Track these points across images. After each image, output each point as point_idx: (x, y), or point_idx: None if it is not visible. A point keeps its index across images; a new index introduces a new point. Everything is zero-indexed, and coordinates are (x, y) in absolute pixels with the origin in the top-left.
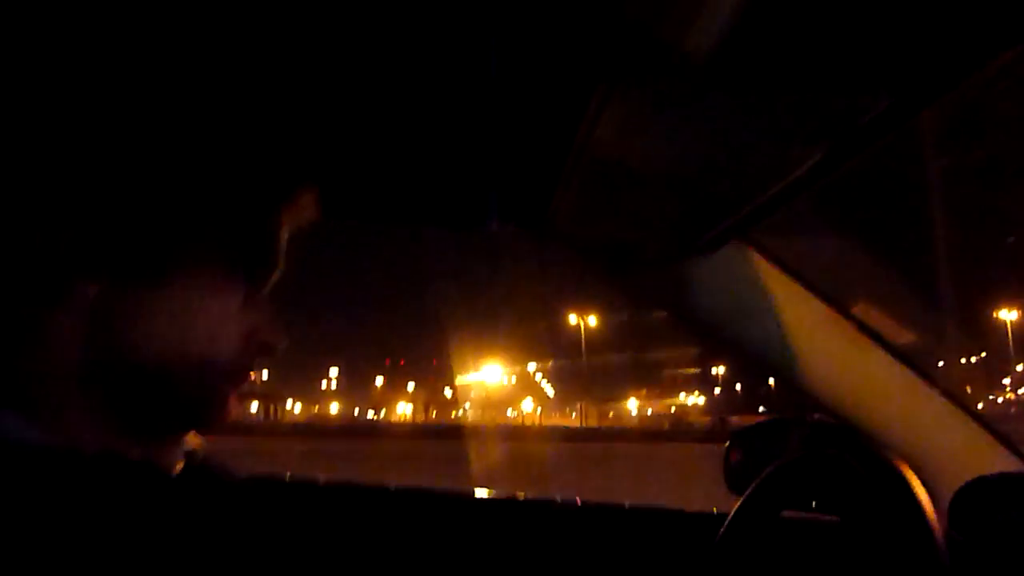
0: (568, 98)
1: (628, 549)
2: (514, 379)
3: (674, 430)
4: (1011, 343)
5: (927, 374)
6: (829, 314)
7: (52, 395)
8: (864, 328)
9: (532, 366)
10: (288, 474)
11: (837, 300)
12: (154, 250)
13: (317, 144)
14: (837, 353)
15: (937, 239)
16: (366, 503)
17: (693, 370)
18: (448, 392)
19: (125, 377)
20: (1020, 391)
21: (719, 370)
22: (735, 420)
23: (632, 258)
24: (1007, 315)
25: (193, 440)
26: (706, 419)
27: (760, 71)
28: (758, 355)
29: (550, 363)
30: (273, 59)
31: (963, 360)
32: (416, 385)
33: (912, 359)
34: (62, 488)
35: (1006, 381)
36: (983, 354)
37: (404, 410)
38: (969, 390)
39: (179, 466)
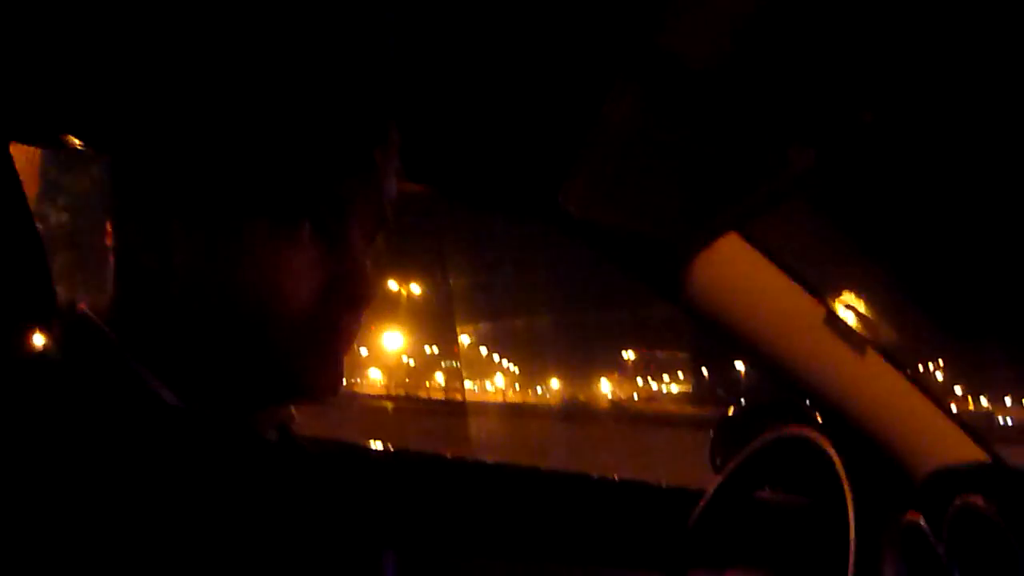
0: (584, 92)
1: (603, 520)
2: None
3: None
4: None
5: (902, 365)
6: (813, 306)
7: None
8: (841, 319)
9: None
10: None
11: (822, 293)
12: (214, 193)
13: (392, 98)
14: (817, 342)
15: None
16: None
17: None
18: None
19: (208, 334)
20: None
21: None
22: None
23: (635, 248)
24: None
25: (286, 413)
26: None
27: (762, 78)
28: (748, 344)
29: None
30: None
31: (921, 367)
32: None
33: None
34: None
35: (958, 390)
36: (941, 362)
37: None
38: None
39: (274, 435)
